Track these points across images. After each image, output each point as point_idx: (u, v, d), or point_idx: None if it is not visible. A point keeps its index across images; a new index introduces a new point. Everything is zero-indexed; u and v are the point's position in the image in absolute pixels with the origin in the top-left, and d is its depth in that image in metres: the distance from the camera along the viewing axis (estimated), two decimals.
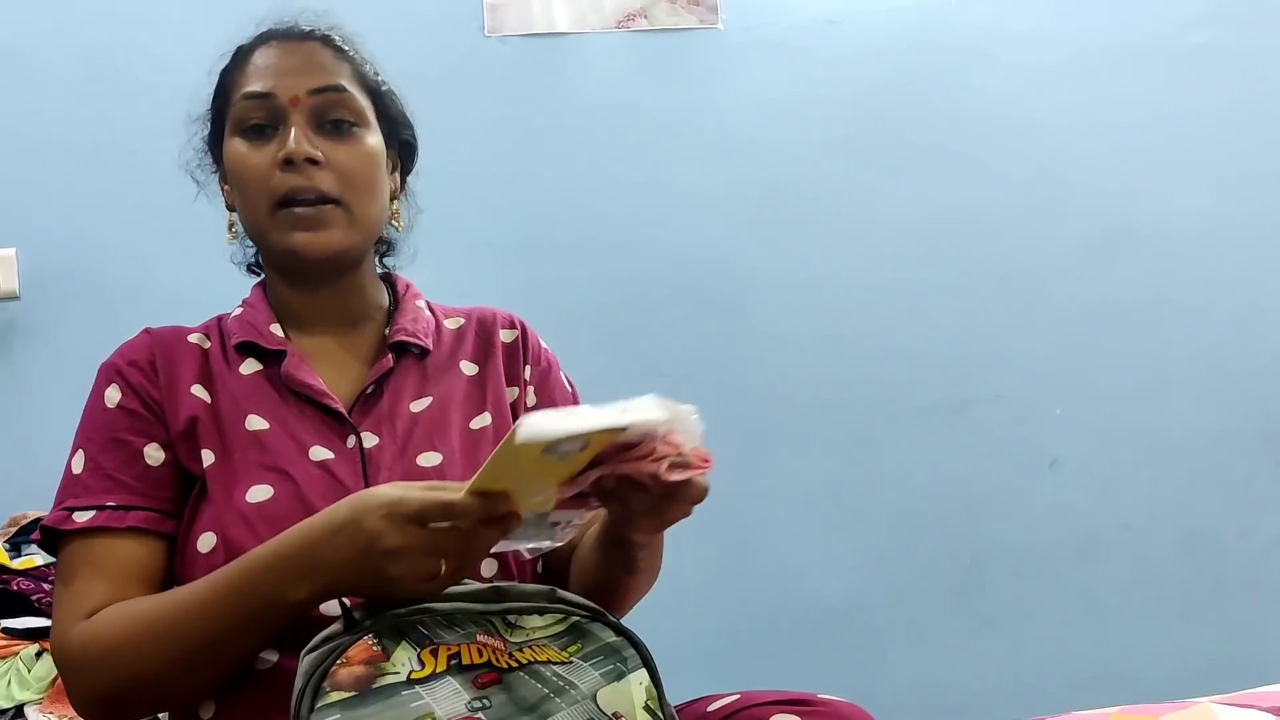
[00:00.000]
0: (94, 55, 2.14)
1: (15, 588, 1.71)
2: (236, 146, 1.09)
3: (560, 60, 2.27)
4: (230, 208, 1.16)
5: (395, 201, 1.19)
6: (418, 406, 1.10)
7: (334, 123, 1.09)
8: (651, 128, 2.27)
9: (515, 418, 1.14)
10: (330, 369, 1.11)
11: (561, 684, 0.84)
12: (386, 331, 1.15)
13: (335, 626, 0.85)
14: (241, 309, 1.15)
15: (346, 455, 1.04)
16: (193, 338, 1.12)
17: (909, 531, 2.22)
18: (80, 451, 1.04)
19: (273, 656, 0.95)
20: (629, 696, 0.86)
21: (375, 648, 0.81)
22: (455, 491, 0.82)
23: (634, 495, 0.87)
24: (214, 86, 1.15)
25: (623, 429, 0.82)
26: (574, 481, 0.86)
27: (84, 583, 0.98)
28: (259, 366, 1.09)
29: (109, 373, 1.07)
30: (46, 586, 1.72)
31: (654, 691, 0.87)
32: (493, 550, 0.90)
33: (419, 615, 0.84)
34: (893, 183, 2.30)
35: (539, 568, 1.11)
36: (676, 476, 0.84)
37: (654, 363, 2.21)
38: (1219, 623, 2.23)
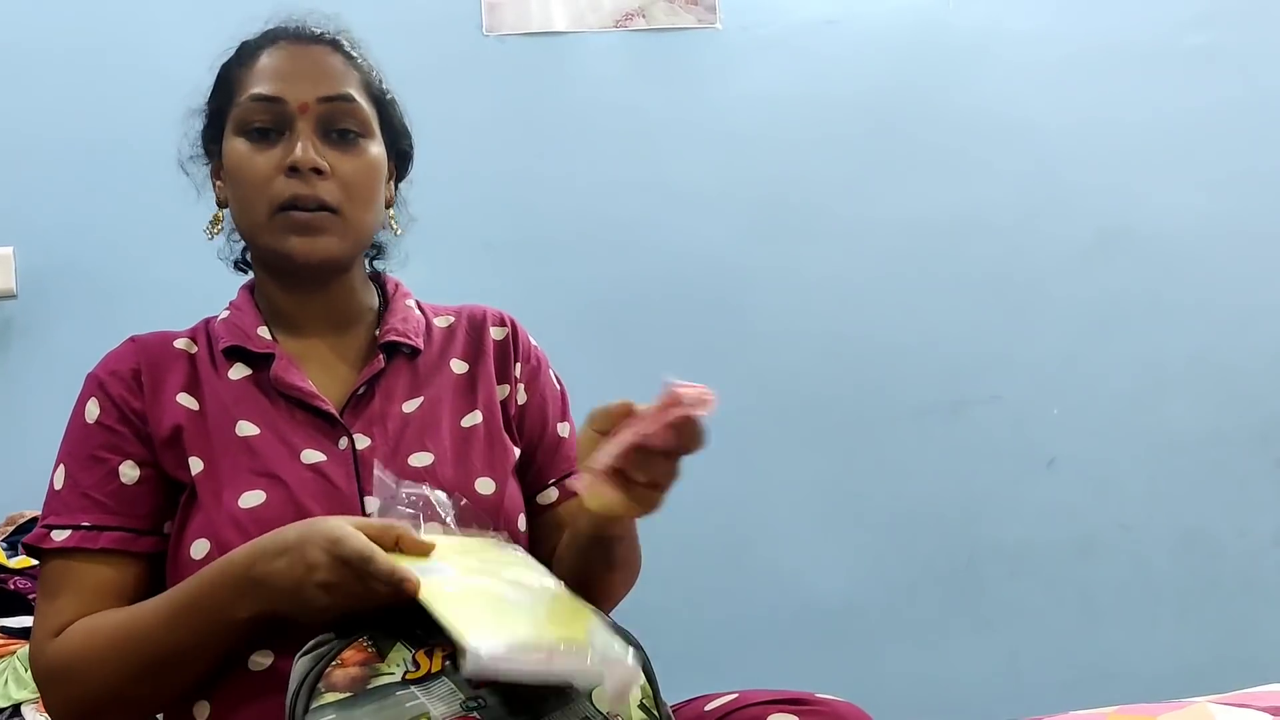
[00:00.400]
0: (91, 54, 2.14)
1: (12, 587, 1.71)
2: (238, 146, 1.08)
3: (558, 60, 2.27)
4: (220, 204, 1.15)
5: (391, 209, 1.19)
6: (409, 407, 1.10)
7: (340, 132, 1.09)
8: (649, 127, 2.27)
9: (506, 415, 1.15)
10: (320, 371, 1.11)
11: (556, 684, 0.84)
12: (377, 332, 1.15)
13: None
14: (228, 311, 1.15)
15: (339, 457, 1.04)
16: (179, 343, 1.11)
17: (907, 531, 2.22)
18: (61, 466, 1.05)
19: (267, 659, 0.95)
20: None
21: (370, 649, 0.81)
22: (385, 555, 0.85)
23: (641, 465, 0.88)
24: (214, 79, 1.14)
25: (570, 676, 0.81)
26: None
27: (59, 601, 1.00)
28: (248, 371, 1.09)
29: (91, 386, 1.08)
30: None
31: (649, 690, 0.88)
32: None
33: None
34: (891, 182, 2.30)
35: None
36: (700, 412, 0.85)
37: (650, 362, 2.20)
38: (1216, 622, 2.23)
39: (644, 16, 2.29)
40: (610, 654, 0.82)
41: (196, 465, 1.02)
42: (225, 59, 1.14)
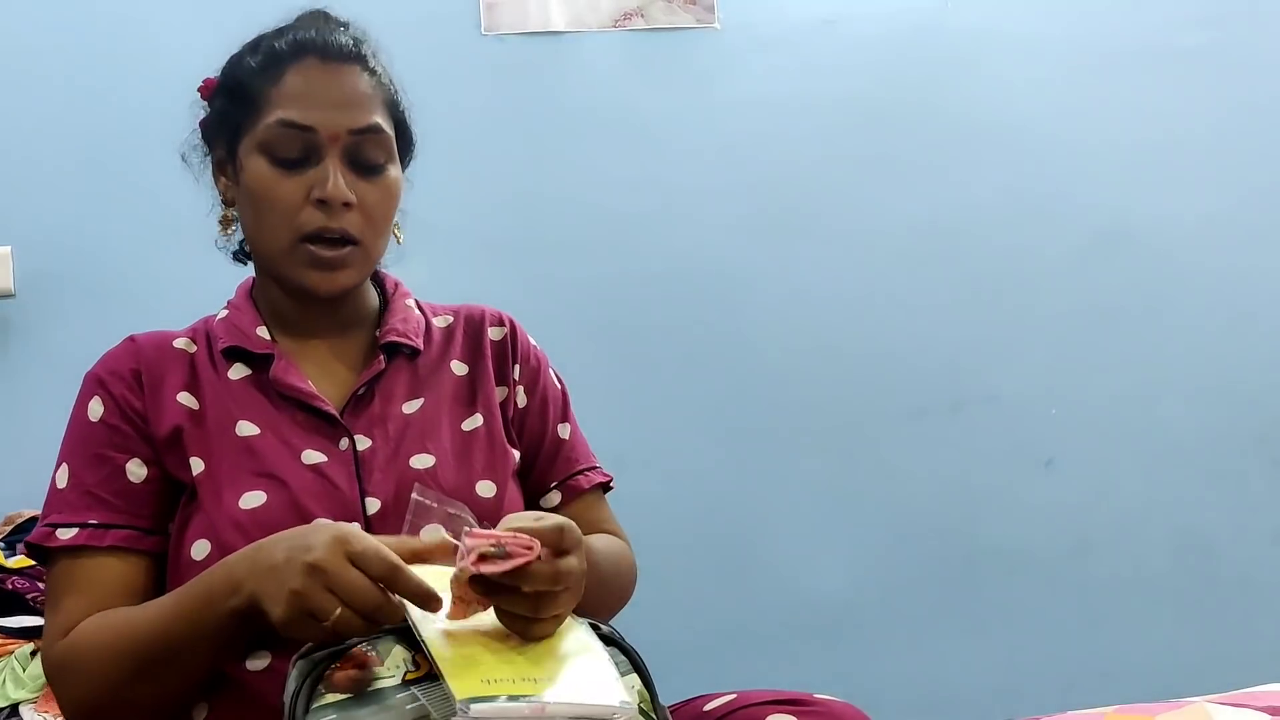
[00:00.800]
0: (90, 53, 2.13)
1: (10, 586, 1.71)
2: (262, 169, 1.06)
3: (556, 59, 2.27)
4: (228, 202, 1.14)
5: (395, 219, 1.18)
6: (409, 408, 1.10)
7: (366, 162, 1.08)
8: (647, 127, 2.27)
9: (505, 418, 1.14)
10: (319, 371, 1.10)
11: None
12: (377, 333, 1.14)
13: None
14: (227, 311, 1.14)
15: (339, 458, 1.04)
16: (179, 343, 1.11)
17: (904, 531, 2.22)
18: (64, 465, 1.04)
19: (265, 660, 0.95)
20: None
21: (370, 651, 0.81)
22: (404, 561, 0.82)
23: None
24: (232, 80, 1.11)
25: None
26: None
27: (68, 600, 0.99)
28: (247, 371, 1.09)
29: (92, 385, 1.07)
30: (41, 585, 1.71)
31: (646, 694, 0.87)
32: None
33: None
34: (888, 183, 2.30)
35: None
36: (489, 570, 0.79)
37: (648, 362, 2.21)
38: (1214, 622, 2.24)
39: (642, 16, 2.29)
40: (604, 700, 0.80)
41: (197, 466, 1.02)
42: (247, 61, 1.10)
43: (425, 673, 0.81)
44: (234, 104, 1.10)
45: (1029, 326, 2.29)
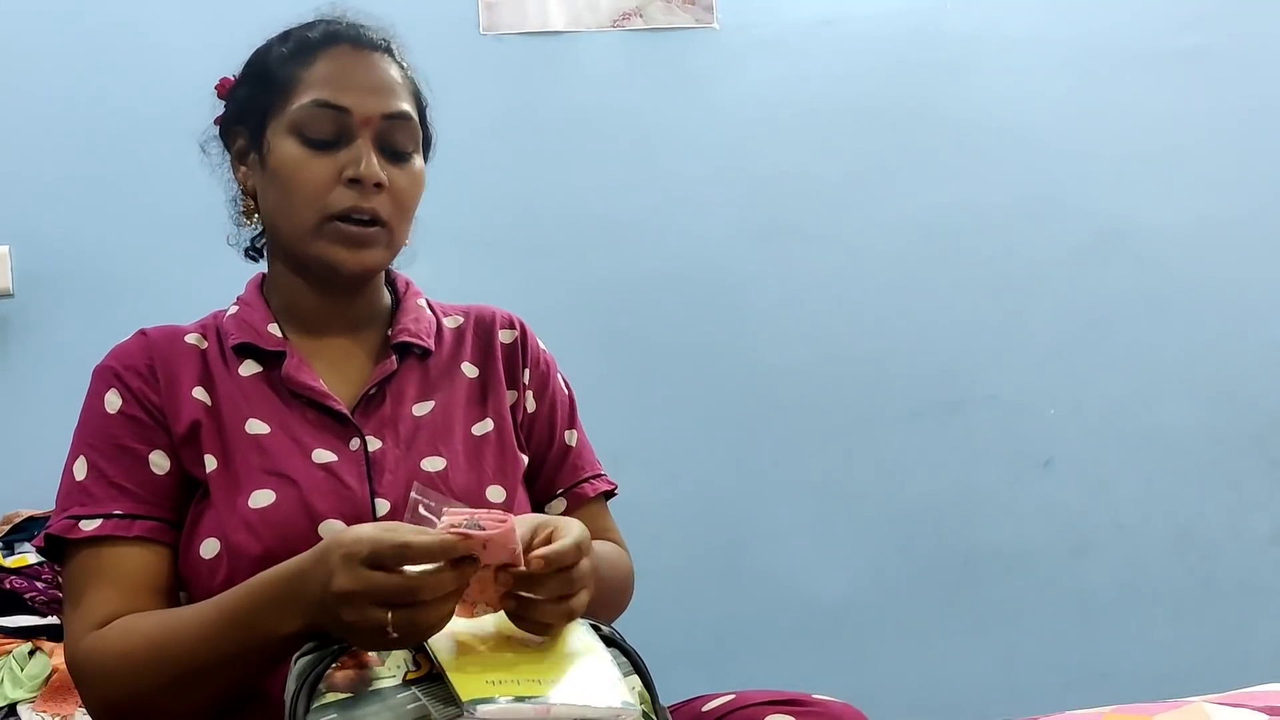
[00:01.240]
0: (89, 54, 2.13)
1: (8, 586, 1.70)
2: (292, 149, 1.05)
3: (555, 59, 2.27)
4: (248, 193, 1.12)
5: None
6: (420, 410, 1.09)
7: (396, 148, 1.08)
8: (646, 126, 2.27)
9: (515, 422, 1.14)
10: (330, 370, 1.09)
11: None
12: (389, 332, 1.13)
13: None
14: (237, 307, 1.13)
15: (350, 457, 1.03)
16: (190, 338, 1.10)
17: (903, 531, 2.23)
18: (82, 458, 1.02)
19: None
20: None
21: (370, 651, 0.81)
22: (417, 534, 0.81)
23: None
24: (257, 70, 1.11)
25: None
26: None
27: (94, 592, 0.97)
28: (258, 368, 1.08)
29: (106, 377, 1.05)
30: (39, 585, 1.71)
31: (647, 695, 0.87)
32: None
33: None
34: (887, 183, 2.30)
35: None
36: (466, 543, 0.80)
37: (646, 361, 2.21)
38: (1212, 622, 2.24)
39: (641, 16, 2.29)
40: (609, 701, 0.80)
41: (211, 463, 1.01)
42: (276, 49, 1.10)
43: (426, 672, 0.81)
44: (262, 89, 1.09)
45: (1027, 327, 2.29)
